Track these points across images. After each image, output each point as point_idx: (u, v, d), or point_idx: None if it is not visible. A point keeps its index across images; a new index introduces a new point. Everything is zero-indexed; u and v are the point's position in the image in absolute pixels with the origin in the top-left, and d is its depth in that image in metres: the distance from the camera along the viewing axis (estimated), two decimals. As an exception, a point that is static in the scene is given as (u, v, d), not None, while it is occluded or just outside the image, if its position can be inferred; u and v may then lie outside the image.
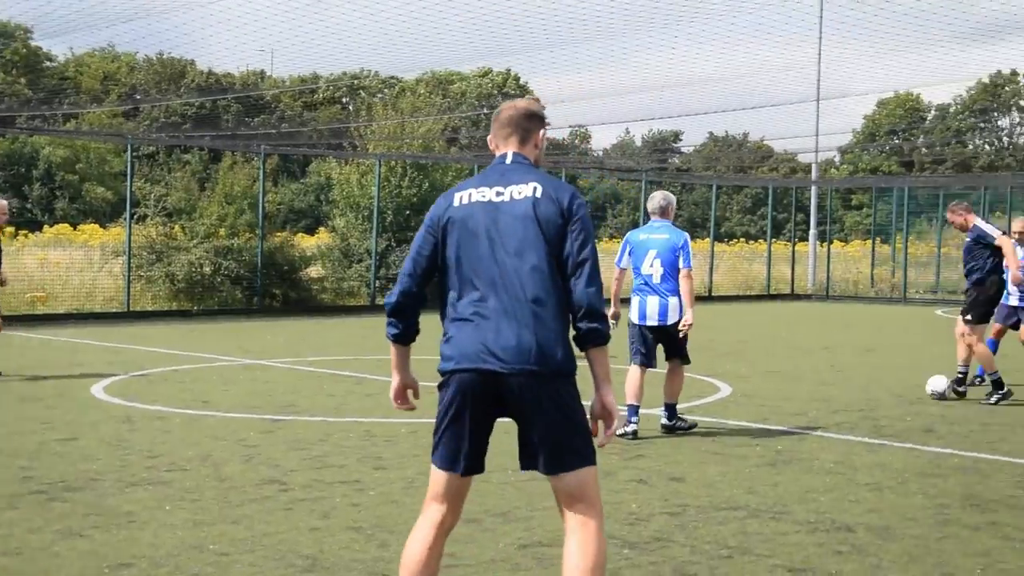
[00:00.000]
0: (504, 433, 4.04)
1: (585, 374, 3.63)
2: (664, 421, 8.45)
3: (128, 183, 21.40)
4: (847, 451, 7.78)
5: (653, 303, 8.36)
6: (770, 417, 9.25)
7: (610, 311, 8.31)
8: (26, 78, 58.24)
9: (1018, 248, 11.06)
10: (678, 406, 8.54)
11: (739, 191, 66.88)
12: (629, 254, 8.57)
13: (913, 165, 67.60)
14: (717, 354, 14.46)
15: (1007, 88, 70.16)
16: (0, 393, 10.12)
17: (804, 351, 15.45)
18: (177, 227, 22.27)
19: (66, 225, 38.10)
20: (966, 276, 10.89)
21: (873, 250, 35.85)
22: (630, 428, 8.15)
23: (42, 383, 10.85)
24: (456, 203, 3.72)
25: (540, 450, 3.59)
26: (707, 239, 32.29)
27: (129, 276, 20.46)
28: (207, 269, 21.30)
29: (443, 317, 3.73)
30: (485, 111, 64.23)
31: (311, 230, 39.70)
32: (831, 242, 34.51)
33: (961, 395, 10.54)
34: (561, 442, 3.58)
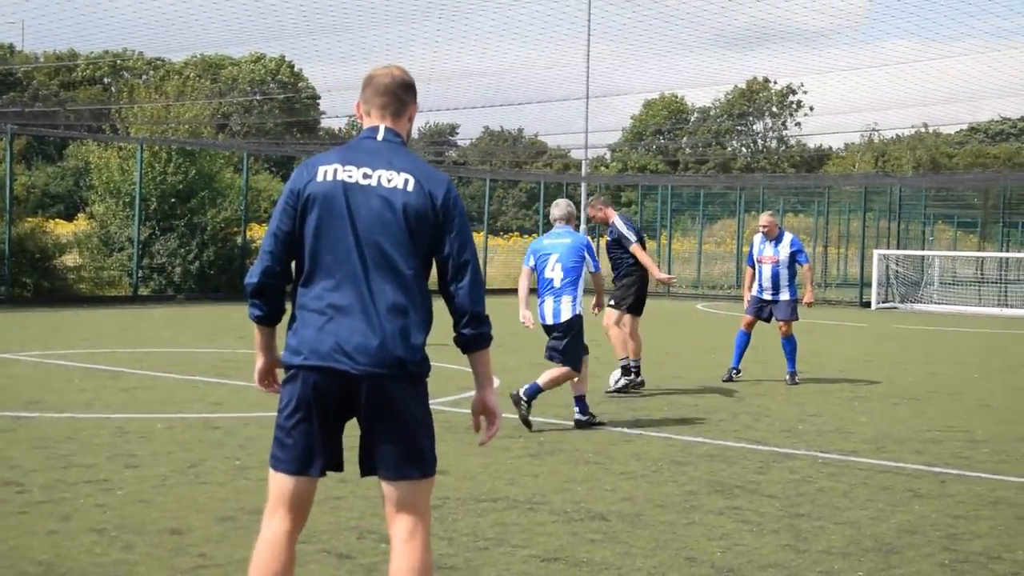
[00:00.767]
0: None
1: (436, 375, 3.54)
2: (578, 416, 8.59)
3: None
4: (606, 441, 8.02)
5: (549, 304, 8.67)
6: (535, 409, 9.41)
7: (523, 313, 8.83)
8: None
9: (765, 242, 11.78)
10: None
11: (514, 185, 68.05)
12: (535, 259, 8.87)
13: (678, 164, 70.76)
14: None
15: (761, 94, 74.51)
16: None
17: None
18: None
19: None
20: (613, 271, 11.12)
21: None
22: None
23: None
24: (319, 177, 3.41)
25: (384, 455, 3.41)
26: (482, 232, 32.64)
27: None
28: (-53, 256, 19.81)
29: (292, 301, 3.47)
30: (257, 98, 62.66)
31: (69, 216, 37.60)
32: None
33: (640, 385, 10.62)
34: (407, 449, 3.43)
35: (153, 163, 23.61)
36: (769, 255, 11.71)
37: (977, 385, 12.04)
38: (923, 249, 36.30)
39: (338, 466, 3.51)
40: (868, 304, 27.80)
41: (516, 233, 53.53)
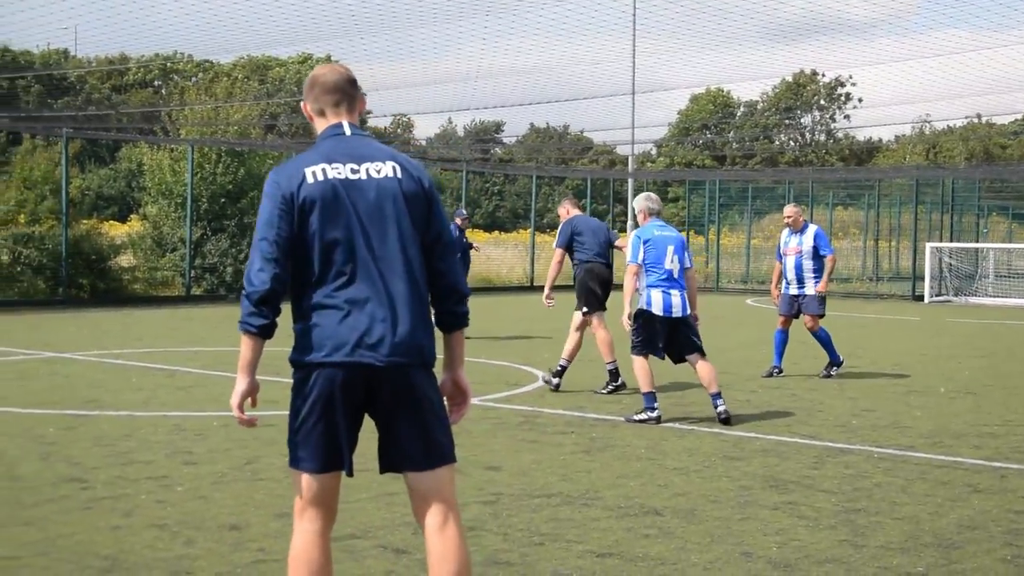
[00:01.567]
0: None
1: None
2: (722, 409, 8.51)
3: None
4: (658, 437, 7.99)
5: (677, 297, 8.60)
6: (586, 405, 9.43)
7: (626, 312, 8.74)
8: None
9: (791, 234, 11.75)
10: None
11: (560, 182, 68.03)
12: (646, 250, 8.67)
13: (725, 159, 70.31)
14: (535, 344, 14.66)
15: (809, 87, 73.78)
16: None
17: (623, 340, 15.79)
18: (-30, 213, 21.02)
19: None
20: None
21: (688, 242, 37.02)
22: (655, 415, 8.50)
23: None
24: (310, 180, 3.38)
25: (410, 447, 3.41)
26: (528, 229, 32.67)
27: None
28: (5, 258, 20.20)
29: (296, 303, 3.44)
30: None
31: (122, 217, 38.16)
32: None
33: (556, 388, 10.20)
34: (432, 438, 3.43)
35: (203, 164, 23.89)
36: (793, 246, 11.69)
37: (1035, 379, 11.83)
38: (977, 241, 35.77)
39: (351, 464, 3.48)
40: (921, 298, 27.44)
41: (563, 230, 53.43)
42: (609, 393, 10.09)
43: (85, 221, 22.57)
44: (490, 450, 7.38)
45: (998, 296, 28.49)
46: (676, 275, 8.65)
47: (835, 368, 11.60)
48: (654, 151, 72.75)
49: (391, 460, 3.47)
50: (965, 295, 28.08)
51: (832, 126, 75.53)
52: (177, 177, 23.94)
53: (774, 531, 5.45)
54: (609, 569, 4.80)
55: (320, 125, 3.58)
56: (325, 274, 3.37)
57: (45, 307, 19.81)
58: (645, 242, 8.73)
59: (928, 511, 5.89)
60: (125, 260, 23.09)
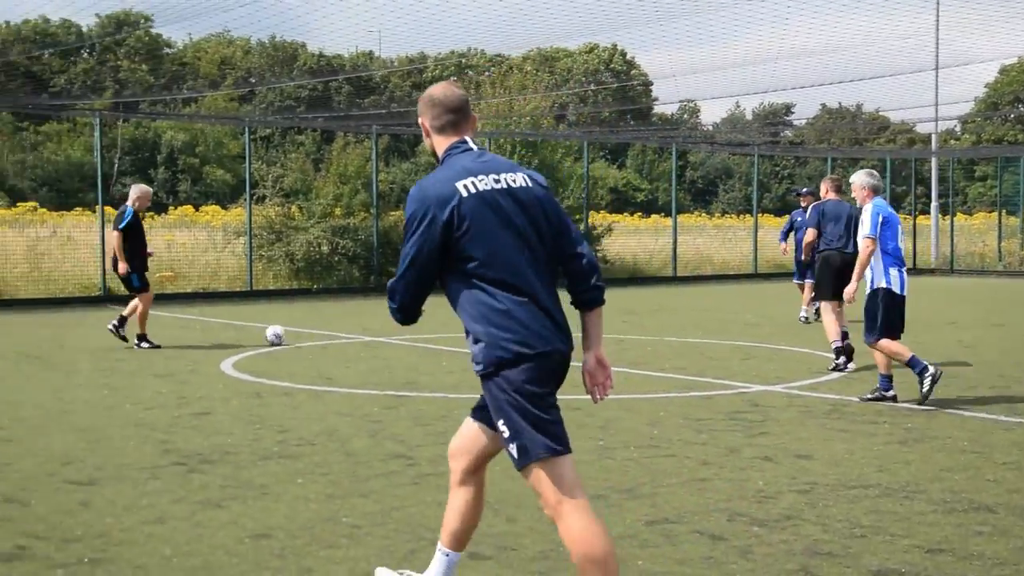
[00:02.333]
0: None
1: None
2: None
3: (247, 165, 21.93)
4: (982, 429, 7.54)
5: (905, 275, 8.66)
6: (897, 394, 9.03)
7: (855, 285, 8.83)
8: (147, 65, 60.06)
9: None
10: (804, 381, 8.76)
11: (854, 164, 65.31)
12: (882, 227, 8.66)
13: (1040, 133, 65.00)
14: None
15: None
16: (136, 369, 10.50)
17: (929, 326, 15.00)
18: (294, 207, 22.74)
19: (189, 207, 39.25)
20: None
21: (1000, 222, 34.56)
22: (890, 393, 8.67)
23: (175, 360, 11.23)
24: (464, 193, 3.54)
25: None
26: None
27: (251, 256, 20.98)
28: (324, 248, 21.73)
29: (474, 308, 3.63)
30: (592, 87, 63.88)
31: (423, 209, 40.01)
32: (954, 215, 33.46)
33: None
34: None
35: (498, 155, 24.70)
36: None
37: None
38: None
39: None
40: None
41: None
42: (834, 370, 10.40)
43: (392, 213, 23.91)
44: (799, 438, 7.23)
45: None
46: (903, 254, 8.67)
47: None
48: (958, 128, 68.34)
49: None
50: None
51: None
52: (475, 169, 24.87)
53: (1125, 535, 5.02)
54: (941, 566, 4.58)
55: (441, 143, 3.76)
56: (498, 280, 3.56)
57: (359, 294, 21.18)
58: (884, 218, 8.58)
59: None
60: (428, 249, 24.25)
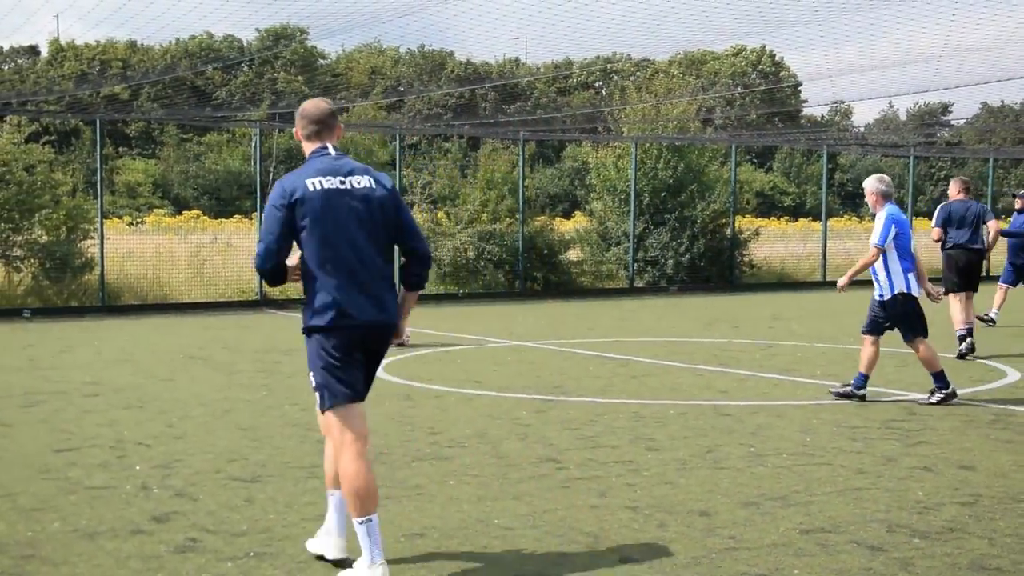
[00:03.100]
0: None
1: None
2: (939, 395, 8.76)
3: (397, 172, 22.40)
4: None
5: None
6: (867, 394, 8.64)
7: (926, 287, 8.97)
8: (303, 76, 62.07)
9: None
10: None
11: (1017, 164, 62.52)
12: (897, 233, 8.83)
13: None
14: (1001, 337, 13.61)
15: None
16: (293, 371, 10.86)
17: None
18: (441, 213, 23.11)
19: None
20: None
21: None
22: (861, 392, 8.73)
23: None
24: (310, 188, 4.39)
25: (368, 383, 4.61)
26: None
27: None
28: (471, 253, 22.01)
29: (308, 279, 4.44)
30: (739, 90, 62.92)
31: (567, 214, 40.20)
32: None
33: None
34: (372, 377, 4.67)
35: (644, 160, 24.58)
36: None
37: None
38: None
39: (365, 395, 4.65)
40: None
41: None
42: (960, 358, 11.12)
43: (538, 218, 24.05)
44: (961, 448, 6.98)
45: None
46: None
47: None
48: None
49: (364, 391, 4.60)
50: None
51: None
52: (620, 174, 24.83)
53: None
54: (1118, 585, 4.37)
55: (307, 147, 4.60)
56: (331, 260, 4.40)
57: (505, 299, 21.39)
58: (898, 226, 8.69)
59: None
60: (573, 254, 24.32)
